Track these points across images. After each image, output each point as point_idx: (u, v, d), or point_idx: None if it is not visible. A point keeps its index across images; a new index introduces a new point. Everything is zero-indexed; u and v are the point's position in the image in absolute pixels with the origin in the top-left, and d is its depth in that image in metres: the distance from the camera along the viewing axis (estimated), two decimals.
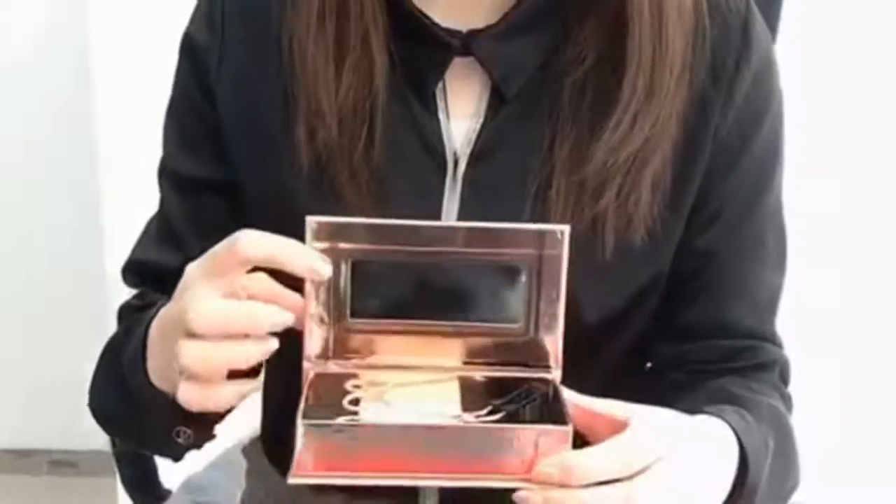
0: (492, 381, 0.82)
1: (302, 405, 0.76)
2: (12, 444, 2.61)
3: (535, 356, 0.82)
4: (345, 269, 0.80)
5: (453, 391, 0.81)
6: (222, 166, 0.96)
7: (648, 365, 1.00)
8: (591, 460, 0.74)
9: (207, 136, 0.97)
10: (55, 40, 2.35)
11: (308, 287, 0.78)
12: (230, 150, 0.96)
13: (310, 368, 0.81)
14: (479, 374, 0.83)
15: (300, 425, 0.74)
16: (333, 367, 0.81)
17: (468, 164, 0.91)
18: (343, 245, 0.79)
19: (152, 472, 1.22)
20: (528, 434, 0.74)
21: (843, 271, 2.12)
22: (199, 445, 0.89)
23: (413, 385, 0.81)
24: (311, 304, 0.78)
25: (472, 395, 0.80)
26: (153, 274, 0.98)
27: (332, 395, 0.78)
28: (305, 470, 0.74)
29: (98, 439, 1.22)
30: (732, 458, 0.83)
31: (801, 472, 0.95)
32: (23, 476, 2.59)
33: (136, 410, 0.88)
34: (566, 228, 0.79)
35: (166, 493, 1.22)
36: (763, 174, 0.96)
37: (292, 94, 0.91)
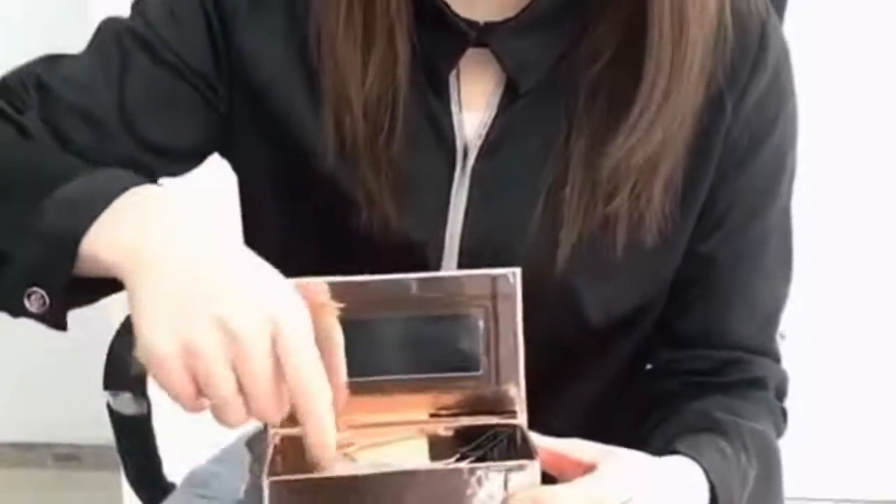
0: (459, 433, 0.82)
1: (267, 465, 0.75)
2: (17, 438, 2.61)
3: (500, 404, 0.81)
4: None
5: (421, 446, 0.80)
6: (216, 71, 0.92)
7: (648, 367, 1.00)
8: (563, 498, 0.73)
9: (205, 39, 0.92)
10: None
11: None
12: (236, 94, 0.93)
13: (275, 433, 0.79)
14: (446, 426, 0.82)
15: (265, 483, 0.72)
16: (299, 430, 0.75)
17: (478, 158, 0.91)
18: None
19: (156, 466, 1.22)
20: (496, 472, 0.73)
21: (843, 271, 2.12)
22: (45, 321, 0.76)
23: (380, 445, 0.80)
24: None
25: (440, 448, 0.80)
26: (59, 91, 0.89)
27: (299, 455, 0.74)
28: None
29: (103, 433, 1.23)
30: (703, 499, 0.83)
31: (784, 496, 0.94)
32: (28, 469, 2.59)
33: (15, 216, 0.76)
34: (517, 271, 0.79)
35: (170, 487, 1.22)
36: (770, 181, 0.95)
37: (319, 80, 0.91)
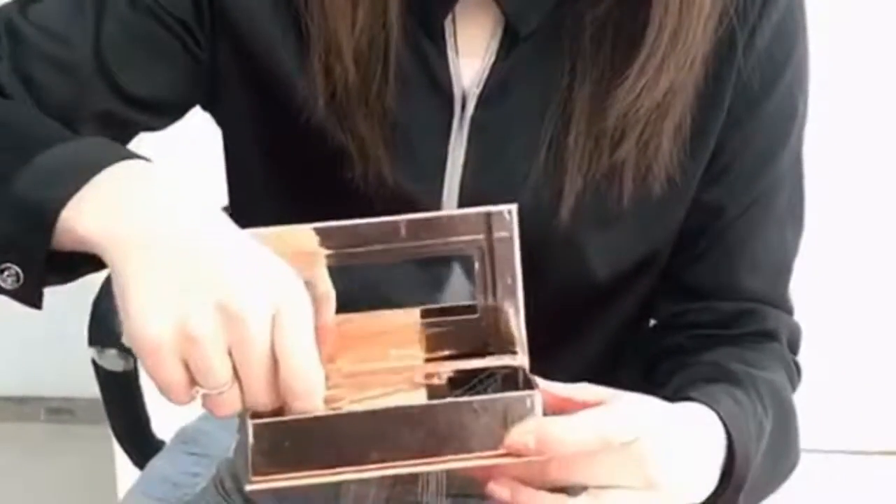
0: (456, 376, 0.78)
1: (248, 417, 0.68)
2: (10, 392, 2.61)
3: (499, 346, 0.77)
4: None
5: (418, 397, 0.77)
6: (196, 16, 0.87)
7: (652, 322, 0.98)
8: (568, 430, 0.70)
9: None
10: None
11: None
12: (219, 48, 0.89)
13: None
14: (443, 369, 0.78)
15: (249, 426, 0.67)
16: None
17: (477, 106, 0.88)
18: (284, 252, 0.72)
19: (144, 423, 1.21)
20: (495, 404, 0.69)
21: (844, 270, 2.11)
22: (19, 298, 0.72)
23: (374, 398, 0.76)
24: None
25: (436, 391, 0.76)
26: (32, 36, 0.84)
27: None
28: (262, 474, 0.68)
29: (95, 387, 1.21)
30: (719, 446, 0.80)
31: (800, 448, 0.91)
32: (20, 423, 2.59)
33: None
34: (513, 208, 0.75)
35: (159, 444, 1.21)
36: (780, 128, 0.92)
37: (307, 29, 0.87)
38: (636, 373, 0.96)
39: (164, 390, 0.67)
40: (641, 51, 0.84)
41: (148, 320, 0.64)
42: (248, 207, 0.93)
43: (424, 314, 0.78)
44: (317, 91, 0.87)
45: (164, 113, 0.91)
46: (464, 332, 0.78)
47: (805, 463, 0.93)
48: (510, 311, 0.77)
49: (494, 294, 0.77)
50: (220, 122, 0.95)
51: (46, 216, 0.68)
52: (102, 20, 0.86)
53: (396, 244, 0.74)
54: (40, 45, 0.84)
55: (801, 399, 0.95)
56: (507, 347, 0.77)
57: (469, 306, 0.78)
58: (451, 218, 0.76)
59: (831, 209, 2.01)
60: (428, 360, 0.78)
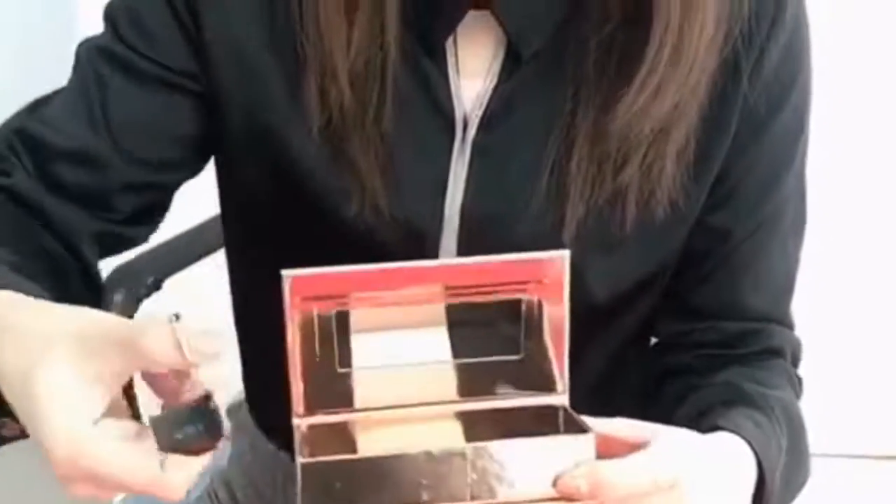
0: (495, 413, 0.75)
1: (299, 456, 0.68)
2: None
3: (537, 382, 0.75)
4: (330, 321, 0.72)
5: (454, 428, 0.74)
6: (196, 61, 0.87)
7: (654, 341, 0.97)
8: (620, 474, 0.69)
9: (177, 33, 0.87)
10: None
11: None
12: (216, 83, 0.88)
13: (300, 423, 0.73)
14: (480, 406, 0.75)
15: (298, 466, 0.67)
16: (323, 417, 0.73)
17: (478, 128, 0.86)
18: (325, 296, 0.71)
19: None
20: (548, 445, 0.68)
21: (848, 274, 2.10)
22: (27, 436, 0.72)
23: (410, 423, 0.74)
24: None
25: (476, 430, 0.73)
26: (46, 147, 0.86)
27: (328, 443, 0.71)
28: None
29: None
30: (751, 476, 0.80)
31: (810, 466, 0.91)
32: None
33: None
34: (566, 255, 0.72)
35: None
36: (785, 151, 0.91)
37: (302, 51, 0.85)
38: (634, 390, 0.95)
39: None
40: (641, 67, 0.82)
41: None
42: (243, 243, 0.94)
43: (463, 356, 0.76)
44: (312, 119, 0.85)
45: (191, 164, 0.92)
46: (503, 373, 0.76)
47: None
48: (556, 354, 0.74)
49: (541, 337, 0.74)
50: (221, 158, 0.94)
51: None
52: (107, 102, 0.87)
53: (443, 287, 0.72)
54: (57, 143, 0.86)
55: (804, 403, 0.95)
56: (548, 385, 0.75)
57: (510, 349, 0.75)
58: (500, 263, 0.73)
59: (831, 211, 2.00)
60: (464, 399, 0.75)
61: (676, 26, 0.82)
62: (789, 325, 0.96)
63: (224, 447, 1.06)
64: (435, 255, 0.88)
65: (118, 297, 1.17)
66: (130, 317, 1.15)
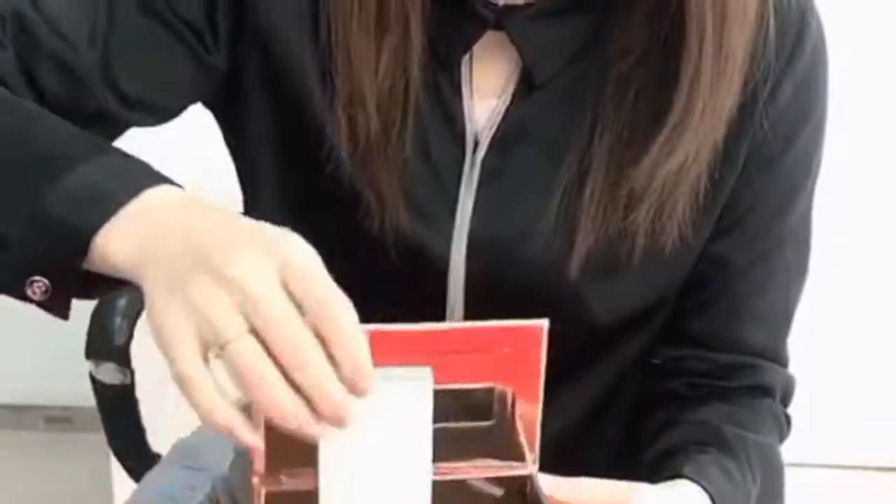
0: (462, 485, 0.72)
1: None
2: (9, 400, 2.60)
3: (508, 451, 0.73)
4: None
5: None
6: (209, 25, 0.85)
7: (654, 361, 0.96)
8: None
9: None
10: None
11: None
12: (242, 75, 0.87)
13: (259, 485, 0.69)
14: (447, 476, 0.71)
15: (261, 496, 0.65)
16: (285, 480, 0.69)
17: (489, 148, 0.85)
18: None
19: (140, 436, 1.20)
20: None
21: (847, 281, 2.10)
22: (48, 309, 0.72)
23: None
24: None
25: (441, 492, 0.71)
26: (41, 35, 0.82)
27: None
28: None
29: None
30: None
31: None
32: (19, 431, 2.59)
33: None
34: (544, 324, 0.69)
35: (155, 458, 1.21)
36: (792, 185, 0.91)
37: (331, 79, 0.84)
38: (624, 419, 0.95)
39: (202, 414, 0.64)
40: (668, 119, 0.81)
41: (168, 323, 0.61)
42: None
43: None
44: (340, 141, 0.85)
45: (159, 115, 0.90)
46: (472, 439, 0.74)
47: (804, 478, 0.93)
48: (527, 422, 0.72)
49: (513, 404, 0.72)
50: (233, 129, 0.93)
51: (79, 240, 0.68)
52: (113, 26, 0.84)
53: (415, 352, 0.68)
54: (48, 44, 0.82)
55: (800, 413, 0.95)
56: (517, 455, 0.73)
57: (481, 414, 0.73)
58: (478, 330, 0.70)
59: (831, 211, 2.00)
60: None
61: (708, 79, 0.80)
62: (783, 363, 0.96)
63: (226, 454, 1.07)
64: (443, 274, 0.87)
65: (122, 303, 1.17)
66: (133, 325, 1.15)
